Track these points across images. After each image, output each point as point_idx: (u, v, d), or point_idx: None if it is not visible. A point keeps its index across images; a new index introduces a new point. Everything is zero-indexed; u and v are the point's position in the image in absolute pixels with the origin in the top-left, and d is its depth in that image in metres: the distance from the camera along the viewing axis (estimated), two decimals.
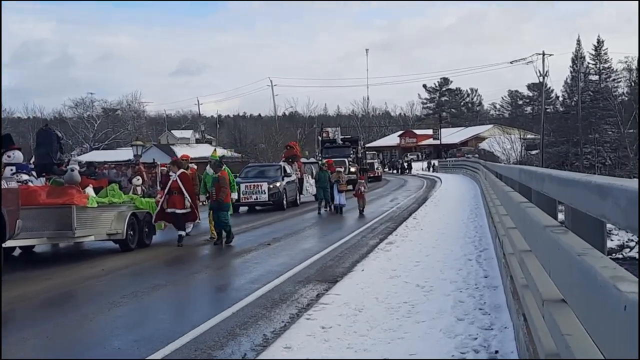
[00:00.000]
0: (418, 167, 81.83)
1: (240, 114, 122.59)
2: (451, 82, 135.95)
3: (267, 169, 28.68)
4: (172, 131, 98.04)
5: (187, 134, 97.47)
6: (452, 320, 7.51)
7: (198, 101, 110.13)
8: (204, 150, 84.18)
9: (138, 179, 16.85)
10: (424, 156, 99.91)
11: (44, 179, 14.80)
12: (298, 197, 29.04)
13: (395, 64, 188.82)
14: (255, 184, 26.07)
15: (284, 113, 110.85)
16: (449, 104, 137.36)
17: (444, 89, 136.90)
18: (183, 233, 15.71)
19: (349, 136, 61.36)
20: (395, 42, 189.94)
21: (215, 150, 18.31)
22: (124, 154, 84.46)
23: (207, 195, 16.58)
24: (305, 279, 11.10)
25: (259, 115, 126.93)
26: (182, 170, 16.01)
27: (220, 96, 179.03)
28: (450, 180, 46.62)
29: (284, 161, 31.68)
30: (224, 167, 16.30)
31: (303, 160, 39.59)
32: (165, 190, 15.68)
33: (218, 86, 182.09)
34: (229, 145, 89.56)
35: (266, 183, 26.13)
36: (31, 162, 15.98)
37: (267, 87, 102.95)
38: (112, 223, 14.18)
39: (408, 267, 11.29)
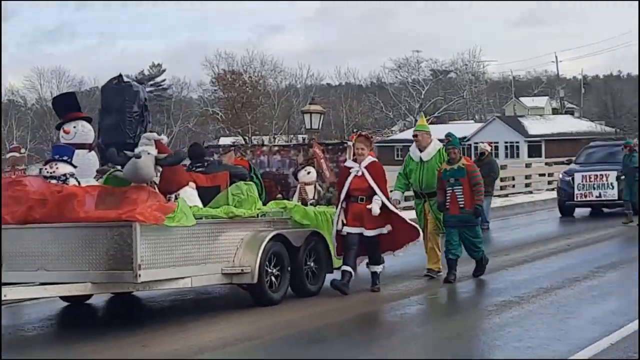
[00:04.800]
0: None
1: (614, 74, 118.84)
2: None
3: (619, 150, 24.88)
4: (521, 98, 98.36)
5: (541, 101, 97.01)
6: None
7: (556, 58, 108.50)
8: (564, 124, 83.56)
9: (308, 172, 13.27)
10: None
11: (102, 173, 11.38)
12: None
13: None
14: (598, 173, 23.77)
15: None
16: None
17: None
18: (379, 269, 12.51)
19: None
20: None
21: (422, 117, 15.25)
22: (458, 129, 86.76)
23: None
24: None
25: None
26: (372, 159, 12.39)
27: (583, 51, 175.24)
28: None
29: None
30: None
31: None
32: (342, 194, 12.24)
33: (580, 38, 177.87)
34: (598, 116, 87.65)
35: (615, 172, 23.18)
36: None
37: None
38: (234, 253, 11.01)
39: None
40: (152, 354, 8.99)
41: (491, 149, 23.64)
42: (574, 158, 27.04)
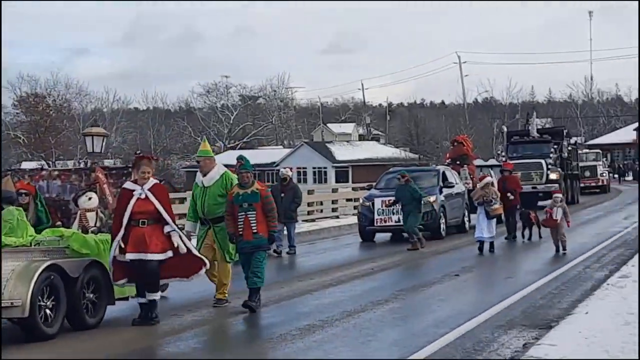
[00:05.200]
0: None
1: (417, 102, 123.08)
2: None
3: (418, 175, 25.43)
4: (329, 125, 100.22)
5: (348, 128, 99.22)
6: None
7: (362, 86, 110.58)
8: (370, 150, 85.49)
9: (89, 198, 12.65)
10: None
11: None
12: (466, 219, 26.25)
13: (624, 32, 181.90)
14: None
15: (476, 100, 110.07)
16: None
17: None
18: (157, 297, 11.57)
19: (551, 126, 57.69)
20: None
21: (205, 141, 13.78)
22: (267, 155, 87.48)
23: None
24: (508, 322, 11.05)
25: (442, 102, 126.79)
26: (155, 181, 11.77)
27: (388, 79, 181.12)
28: None
29: (448, 163, 29.80)
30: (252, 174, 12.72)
31: (478, 162, 36.75)
32: (124, 218, 11.36)
33: (385, 66, 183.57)
34: (402, 142, 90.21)
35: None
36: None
37: (453, 65, 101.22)
38: (4, 286, 10.11)
39: None
40: None
41: (295, 174, 23.38)
42: (374, 183, 26.70)
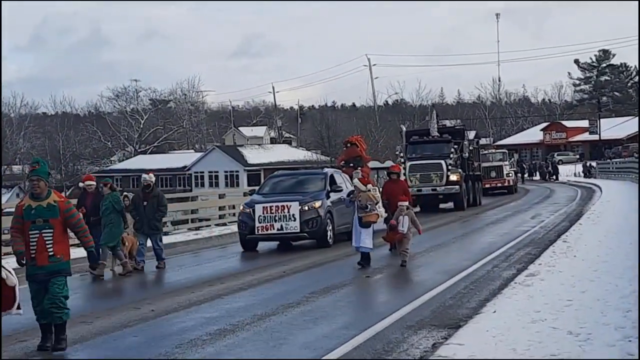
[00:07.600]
0: (569, 171, 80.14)
1: (329, 104, 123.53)
2: (613, 55, 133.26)
3: (304, 179, 24.28)
4: (240, 128, 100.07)
5: (260, 131, 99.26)
6: None
7: (273, 89, 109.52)
8: (282, 153, 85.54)
9: None
10: (577, 156, 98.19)
11: None
12: None
13: (529, 34, 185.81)
14: (280, 204, 21.61)
15: (386, 102, 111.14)
16: (611, 85, 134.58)
17: (603, 65, 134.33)
18: None
19: (452, 125, 55.48)
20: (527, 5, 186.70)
21: None
22: (178, 159, 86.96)
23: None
24: (417, 323, 11.13)
25: (353, 105, 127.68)
26: None
27: (299, 82, 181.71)
28: (614, 190, 45.60)
29: (342, 165, 27.75)
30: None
31: (373, 164, 35.57)
32: None
33: (296, 69, 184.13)
34: (314, 145, 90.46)
35: (297, 203, 21.61)
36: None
37: (363, 68, 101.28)
38: None
39: (556, 307, 11.14)
40: None
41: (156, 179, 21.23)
42: (257, 188, 24.90)
